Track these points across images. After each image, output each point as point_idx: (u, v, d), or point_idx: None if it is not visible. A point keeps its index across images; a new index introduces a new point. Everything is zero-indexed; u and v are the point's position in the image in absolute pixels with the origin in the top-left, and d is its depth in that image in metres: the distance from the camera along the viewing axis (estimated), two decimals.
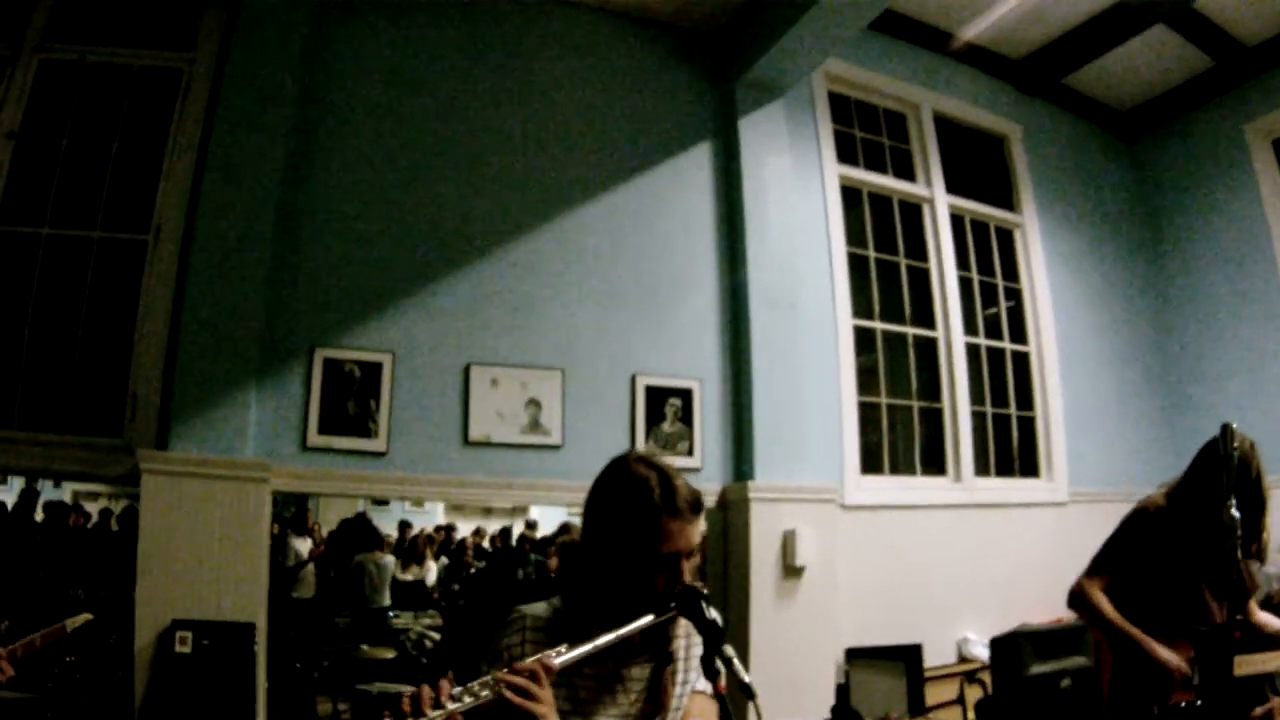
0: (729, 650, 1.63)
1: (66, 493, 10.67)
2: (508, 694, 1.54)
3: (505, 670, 1.58)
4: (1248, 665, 2.99)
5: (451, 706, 1.49)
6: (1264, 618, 3.27)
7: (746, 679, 1.58)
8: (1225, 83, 7.19)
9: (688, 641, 1.91)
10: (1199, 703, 2.94)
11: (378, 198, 4.80)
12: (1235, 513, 2.77)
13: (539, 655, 1.62)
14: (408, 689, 1.55)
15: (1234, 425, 2.87)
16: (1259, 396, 6.67)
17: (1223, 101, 7.30)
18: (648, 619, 1.70)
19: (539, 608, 1.93)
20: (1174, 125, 7.73)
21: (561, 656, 1.62)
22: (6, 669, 2.64)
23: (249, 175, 4.51)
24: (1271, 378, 6.76)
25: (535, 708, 1.54)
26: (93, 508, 10.17)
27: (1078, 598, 3.35)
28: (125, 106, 4.85)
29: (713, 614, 1.69)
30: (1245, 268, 7.10)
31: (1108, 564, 3.32)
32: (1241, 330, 7.08)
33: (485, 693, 1.54)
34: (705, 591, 1.74)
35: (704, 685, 1.85)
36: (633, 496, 1.79)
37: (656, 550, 1.76)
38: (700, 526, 1.84)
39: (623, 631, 1.67)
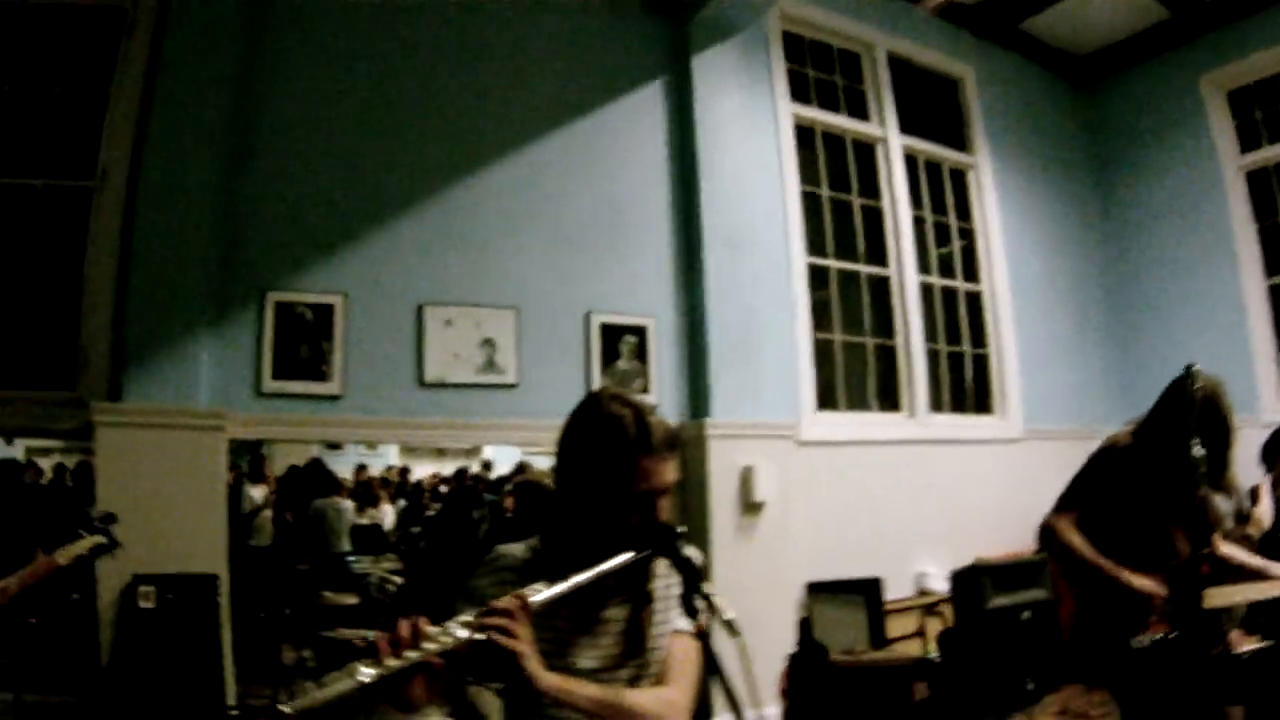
0: (708, 587, 1.61)
1: (19, 450, 10.51)
2: (488, 633, 1.52)
3: (483, 609, 1.56)
4: (1217, 598, 3.04)
5: (430, 646, 1.47)
6: (1228, 550, 3.30)
7: (729, 616, 1.55)
8: (1182, 34, 7.25)
9: (666, 582, 1.87)
10: (1173, 635, 2.97)
11: (328, 138, 4.72)
12: (1199, 451, 2.81)
13: (516, 592, 1.59)
14: (372, 634, 1.54)
15: (1197, 366, 2.91)
16: (1207, 338, 6.80)
17: (1179, 53, 7.35)
18: (625, 557, 1.68)
19: (516, 548, 1.91)
20: (1129, 74, 7.77)
21: (539, 594, 1.60)
22: None
23: (196, 117, 4.40)
24: (1220, 320, 6.90)
25: (515, 645, 1.53)
26: (46, 464, 10.01)
27: (1048, 534, 3.35)
28: (67, 49, 4.70)
29: (690, 552, 1.66)
30: (1197, 214, 7.20)
31: (1076, 500, 3.33)
32: (1191, 273, 7.20)
33: (464, 632, 1.51)
34: (682, 530, 1.72)
35: (684, 625, 1.86)
36: (607, 434, 1.75)
37: (632, 488, 1.73)
38: (677, 465, 1.81)
39: (599, 570, 1.65)
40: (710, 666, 1.57)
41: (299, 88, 4.73)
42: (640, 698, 1.75)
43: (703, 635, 1.59)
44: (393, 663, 1.42)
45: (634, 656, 1.82)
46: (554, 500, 1.89)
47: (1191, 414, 2.87)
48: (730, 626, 1.53)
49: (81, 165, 4.57)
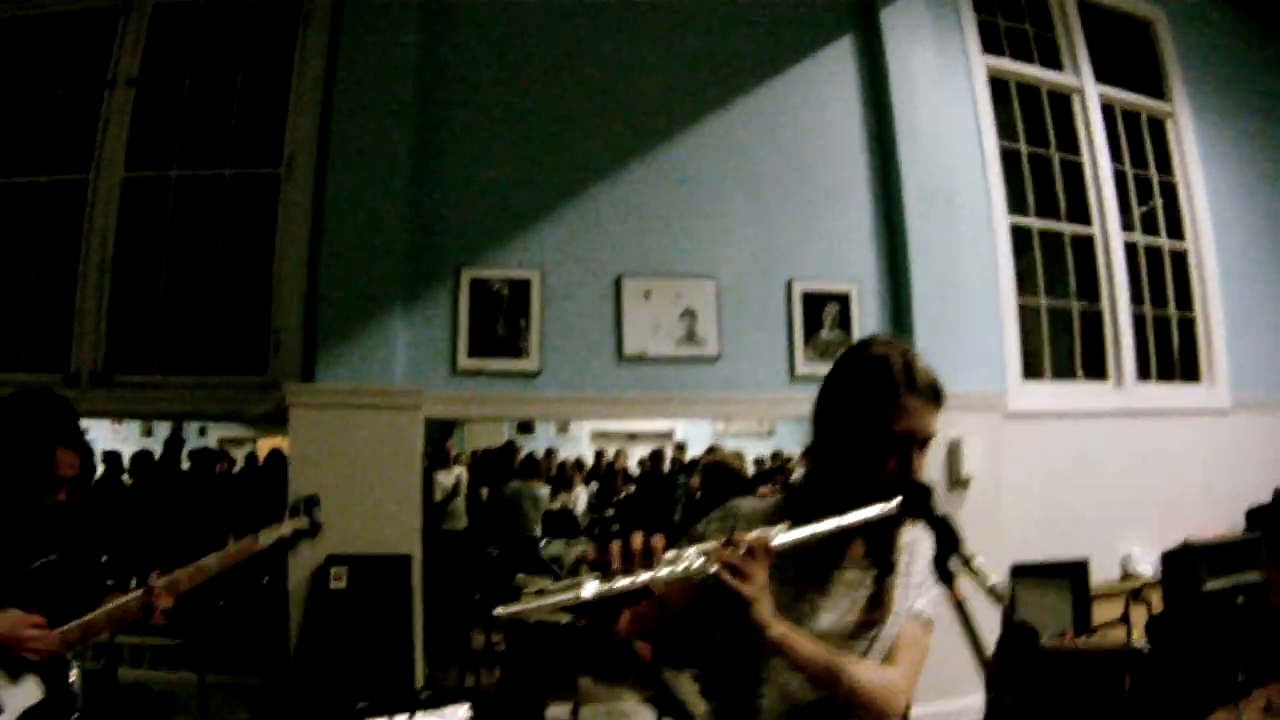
0: (968, 549, 1.46)
1: (212, 439, 10.91)
2: (720, 570, 1.44)
3: (723, 543, 1.48)
4: None
5: (662, 573, 1.40)
6: None
7: (993, 581, 1.42)
8: None
9: (910, 556, 1.76)
10: None
11: (516, 114, 4.69)
12: None
13: (757, 532, 1.50)
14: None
15: None
16: None
17: None
18: (876, 509, 1.57)
19: (758, 501, 1.86)
20: None
21: (781, 538, 1.51)
22: (162, 599, 2.49)
23: (378, 101, 4.43)
24: None
25: (746, 588, 1.45)
26: (239, 454, 10.35)
27: (1269, 519, 3.05)
28: (247, 42, 4.82)
29: (942, 511, 1.54)
30: None
31: None
32: None
33: (699, 562, 1.43)
34: (935, 488, 1.59)
35: (921, 606, 1.75)
36: (871, 370, 1.69)
37: (891, 426, 1.64)
38: (938, 417, 1.70)
39: (849, 520, 1.55)
40: (970, 638, 1.41)
41: (482, 64, 4.71)
42: (864, 672, 1.62)
43: (957, 603, 1.45)
44: (620, 582, 1.37)
45: (870, 628, 1.72)
46: (810, 448, 1.81)
47: None
48: (994, 593, 1.41)
49: (267, 153, 4.67)
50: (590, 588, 1.34)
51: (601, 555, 1.40)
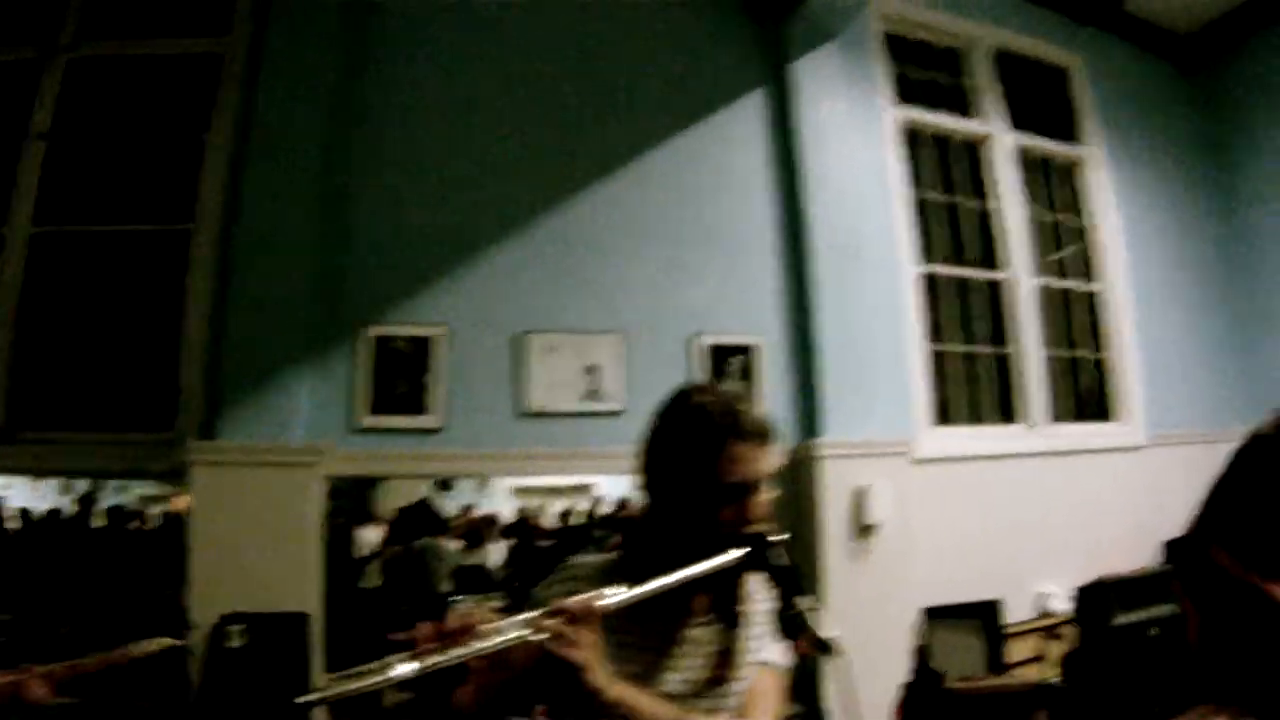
0: (807, 601, 1.47)
1: (132, 496, 10.78)
2: (543, 638, 1.39)
3: (543, 611, 1.43)
4: None
5: (479, 645, 1.35)
6: None
7: (826, 634, 1.43)
8: None
9: (760, 606, 1.74)
10: None
11: (423, 171, 4.69)
12: None
13: (583, 595, 1.46)
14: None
15: None
16: None
17: None
18: (713, 561, 1.54)
19: (593, 558, 1.83)
20: (1242, 47, 7.33)
21: (611, 598, 1.46)
22: (35, 691, 2.43)
23: (291, 156, 4.43)
24: None
25: (575, 654, 1.39)
26: (155, 510, 10.21)
27: (1183, 549, 3.07)
28: (162, 98, 4.81)
29: (785, 559, 1.54)
30: None
31: (1217, 508, 3.03)
32: None
33: (520, 633, 1.39)
34: (780, 537, 1.58)
35: (774, 657, 1.73)
36: (694, 420, 1.65)
37: (720, 478, 1.59)
38: (773, 456, 1.67)
39: (685, 574, 1.51)
40: (806, 690, 1.42)
41: (395, 123, 4.72)
42: None
43: (803, 657, 1.51)
44: (433, 659, 1.32)
45: (718, 684, 1.67)
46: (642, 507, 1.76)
47: None
48: (825, 646, 1.41)
49: (180, 209, 4.64)
50: (402, 669, 1.30)
51: (412, 635, 1.36)
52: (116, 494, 10.19)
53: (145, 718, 4.28)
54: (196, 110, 4.73)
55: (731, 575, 1.63)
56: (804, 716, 3.79)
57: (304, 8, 4.59)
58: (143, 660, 2.80)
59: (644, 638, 1.65)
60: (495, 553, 9.84)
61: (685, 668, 1.67)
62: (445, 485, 11.72)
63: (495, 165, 4.78)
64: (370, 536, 8.29)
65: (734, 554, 1.56)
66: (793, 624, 1.48)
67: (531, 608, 1.56)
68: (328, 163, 4.49)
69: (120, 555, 6.54)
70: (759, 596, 1.74)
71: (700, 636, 1.70)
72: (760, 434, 1.66)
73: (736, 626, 1.71)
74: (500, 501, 12.98)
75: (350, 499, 8.66)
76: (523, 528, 10.88)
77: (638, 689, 1.53)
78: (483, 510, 11.25)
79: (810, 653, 1.46)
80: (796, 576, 1.52)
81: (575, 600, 1.44)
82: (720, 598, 1.72)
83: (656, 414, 1.76)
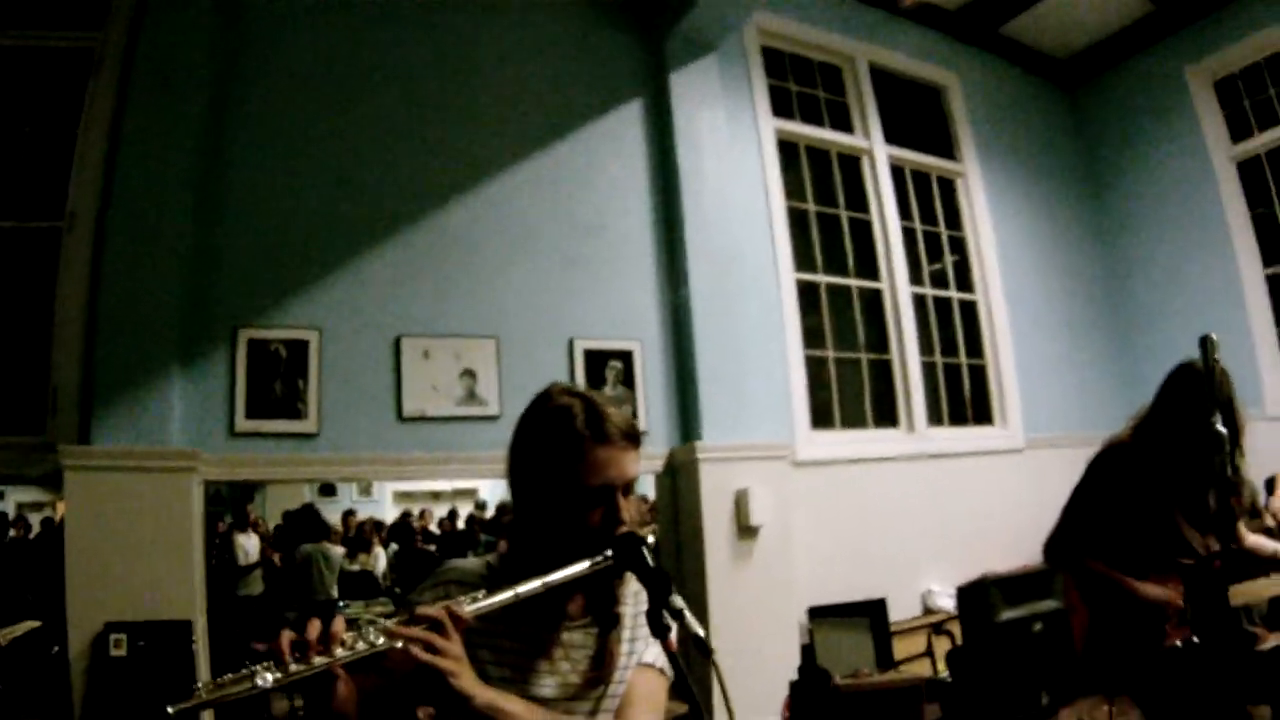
0: (678, 601, 1.46)
1: (10, 504, 10.48)
2: (409, 644, 1.37)
3: (405, 618, 1.43)
4: (1240, 595, 2.94)
5: (340, 653, 1.33)
6: (1255, 540, 3.17)
7: (700, 632, 1.43)
8: (1165, 26, 7.20)
9: (635, 607, 1.73)
10: (1194, 639, 2.86)
11: (298, 173, 4.63)
12: (1221, 428, 2.54)
13: (445, 602, 1.45)
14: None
15: (1214, 336, 2.66)
16: (1208, 332, 6.66)
17: (1162, 46, 7.30)
18: (580, 566, 1.53)
19: (470, 562, 1.79)
20: (1114, 72, 7.74)
21: (476, 604, 1.45)
22: None
23: (164, 155, 4.33)
24: (1220, 314, 6.80)
25: (438, 662, 1.38)
26: (35, 518, 9.92)
27: (1054, 550, 3.24)
28: (34, 92, 4.66)
29: (653, 559, 1.52)
30: (1190, 207, 7.14)
31: (1079, 511, 3.17)
32: (1188, 267, 7.14)
33: (381, 640, 1.36)
34: (650, 539, 1.60)
35: (652, 656, 1.72)
36: (556, 425, 1.62)
37: (584, 482, 1.58)
38: (637, 459, 1.67)
39: (553, 578, 1.50)
40: (682, 689, 1.43)
41: (269, 123, 4.65)
42: None
43: (673, 656, 1.46)
44: (295, 668, 1.30)
45: (595, 687, 1.66)
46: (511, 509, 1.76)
47: (1211, 386, 2.62)
48: (701, 644, 1.41)
49: (50, 207, 4.50)
50: (266, 678, 1.27)
51: (272, 648, 1.32)
52: None
53: None
54: (67, 106, 4.59)
55: (606, 578, 1.61)
56: (686, 717, 3.84)
57: (177, 5, 4.50)
58: (10, 647, 2.78)
59: (519, 641, 1.64)
60: (381, 558, 9.80)
61: (561, 671, 1.65)
62: (328, 491, 11.61)
63: (373, 167, 4.76)
64: (249, 544, 8.16)
65: (602, 557, 1.55)
66: (663, 624, 1.46)
67: (407, 608, 1.56)
68: (202, 164, 4.41)
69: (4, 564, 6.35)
70: (641, 596, 1.70)
71: (576, 640, 1.69)
72: (624, 436, 1.64)
73: (613, 629, 1.71)
74: (384, 507, 12.95)
75: (229, 506, 8.51)
76: (406, 532, 10.84)
77: (510, 694, 1.51)
78: (365, 516, 11.19)
79: (677, 651, 1.46)
80: (666, 577, 1.51)
81: (436, 607, 1.43)
82: (596, 600, 1.71)
83: (521, 419, 1.73)
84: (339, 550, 8.40)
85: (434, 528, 11.55)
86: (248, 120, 4.61)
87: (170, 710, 1.26)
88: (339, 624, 1.36)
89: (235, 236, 4.47)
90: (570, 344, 4.96)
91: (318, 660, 1.31)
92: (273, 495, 10.67)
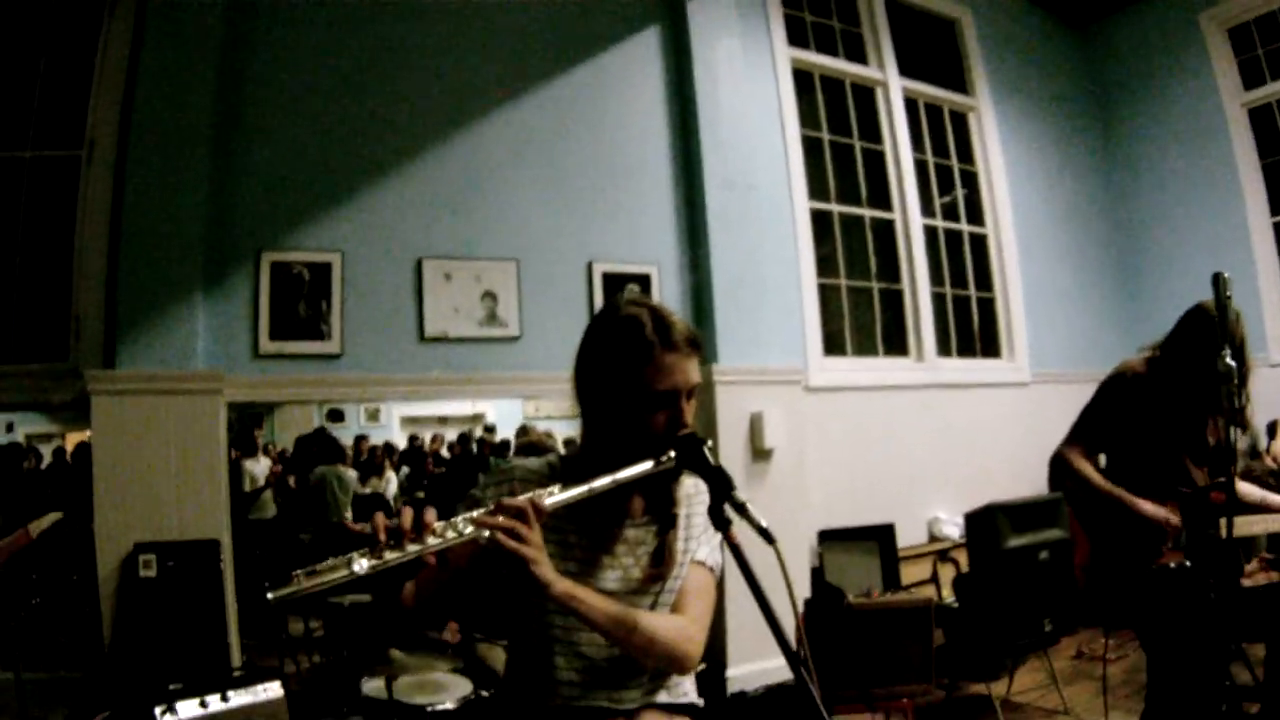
0: (740, 496, 1.54)
1: (19, 435, 10.50)
2: (495, 533, 1.45)
3: (492, 508, 1.50)
4: (1242, 526, 2.97)
5: (432, 541, 1.39)
6: (1245, 487, 3.20)
7: (763, 523, 1.49)
8: None
9: (689, 508, 1.82)
10: (1188, 563, 2.92)
11: (319, 96, 4.63)
12: (1231, 361, 2.59)
13: (529, 494, 1.53)
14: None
15: (1226, 274, 2.69)
16: (1207, 282, 6.68)
17: None
18: (647, 464, 1.61)
19: (532, 461, 1.87)
20: (1128, 12, 7.71)
21: (554, 497, 1.53)
22: None
23: (183, 82, 4.32)
24: (1226, 260, 6.77)
25: (523, 549, 1.46)
26: (46, 449, 9.98)
27: (1059, 464, 3.21)
28: (50, 25, 4.65)
29: (714, 459, 1.60)
30: (1200, 152, 7.17)
31: (1087, 430, 3.20)
32: (1196, 212, 7.18)
33: (470, 529, 1.43)
34: (708, 440, 1.64)
35: (704, 555, 1.81)
36: (625, 333, 1.70)
37: (653, 386, 1.67)
38: (698, 366, 1.76)
39: (622, 475, 1.58)
40: (745, 576, 1.50)
41: (288, 48, 4.63)
42: (656, 620, 1.68)
43: (734, 546, 1.53)
44: (390, 555, 1.36)
45: (656, 581, 1.76)
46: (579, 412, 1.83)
47: (1223, 323, 2.65)
48: (766, 533, 1.47)
49: (69, 135, 4.50)
50: (361, 564, 1.33)
51: (369, 535, 1.39)
52: (3, 434, 9.93)
53: (62, 654, 4.28)
54: (85, 34, 4.58)
55: (665, 478, 1.70)
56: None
57: None
58: (41, 541, 2.83)
59: (583, 537, 1.74)
60: (393, 482, 9.87)
61: (624, 565, 1.76)
62: (336, 416, 11.67)
63: (391, 92, 4.76)
64: (257, 469, 8.23)
65: (666, 456, 1.62)
66: (724, 518, 1.55)
67: (469, 504, 1.66)
68: (222, 89, 4.41)
69: (20, 495, 6.41)
70: (695, 497, 1.83)
71: (637, 537, 1.79)
72: (689, 343, 1.72)
73: (671, 527, 1.80)
74: (392, 432, 13.04)
75: (236, 431, 8.55)
76: (417, 456, 10.89)
77: (579, 584, 1.60)
78: (375, 440, 11.25)
79: (738, 544, 1.53)
80: (726, 475, 1.57)
81: (522, 498, 1.50)
82: (655, 500, 1.81)
83: (590, 326, 1.81)
84: (352, 473, 8.45)
85: (444, 452, 11.65)
86: (268, 46, 4.60)
87: (270, 596, 1.31)
88: (430, 513, 1.42)
89: (257, 161, 4.48)
90: (589, 267, 5.00)
91: (411, 547, 1.37)
92: (280, 421, 10.70)
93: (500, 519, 1.46)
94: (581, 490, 1.55)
